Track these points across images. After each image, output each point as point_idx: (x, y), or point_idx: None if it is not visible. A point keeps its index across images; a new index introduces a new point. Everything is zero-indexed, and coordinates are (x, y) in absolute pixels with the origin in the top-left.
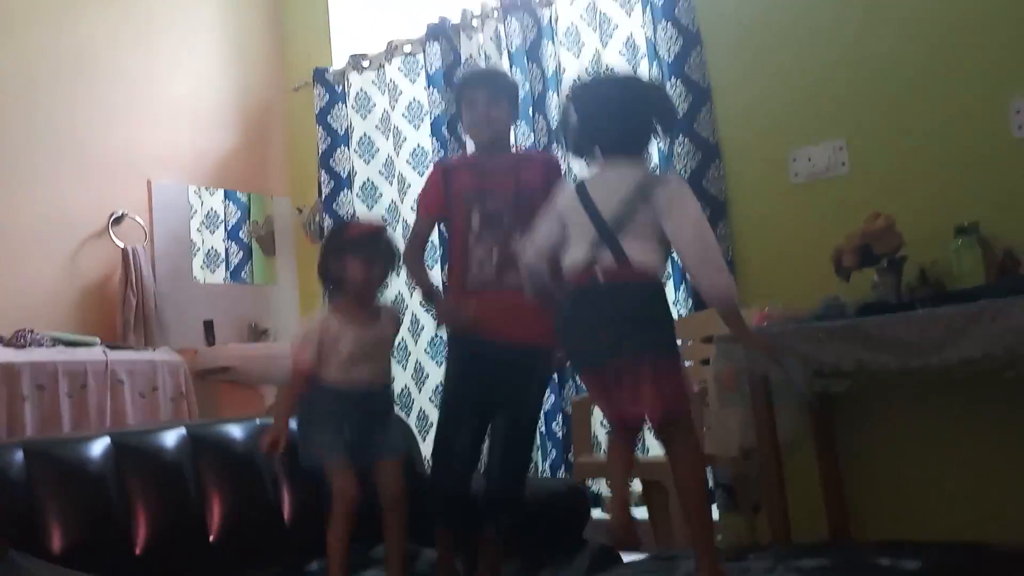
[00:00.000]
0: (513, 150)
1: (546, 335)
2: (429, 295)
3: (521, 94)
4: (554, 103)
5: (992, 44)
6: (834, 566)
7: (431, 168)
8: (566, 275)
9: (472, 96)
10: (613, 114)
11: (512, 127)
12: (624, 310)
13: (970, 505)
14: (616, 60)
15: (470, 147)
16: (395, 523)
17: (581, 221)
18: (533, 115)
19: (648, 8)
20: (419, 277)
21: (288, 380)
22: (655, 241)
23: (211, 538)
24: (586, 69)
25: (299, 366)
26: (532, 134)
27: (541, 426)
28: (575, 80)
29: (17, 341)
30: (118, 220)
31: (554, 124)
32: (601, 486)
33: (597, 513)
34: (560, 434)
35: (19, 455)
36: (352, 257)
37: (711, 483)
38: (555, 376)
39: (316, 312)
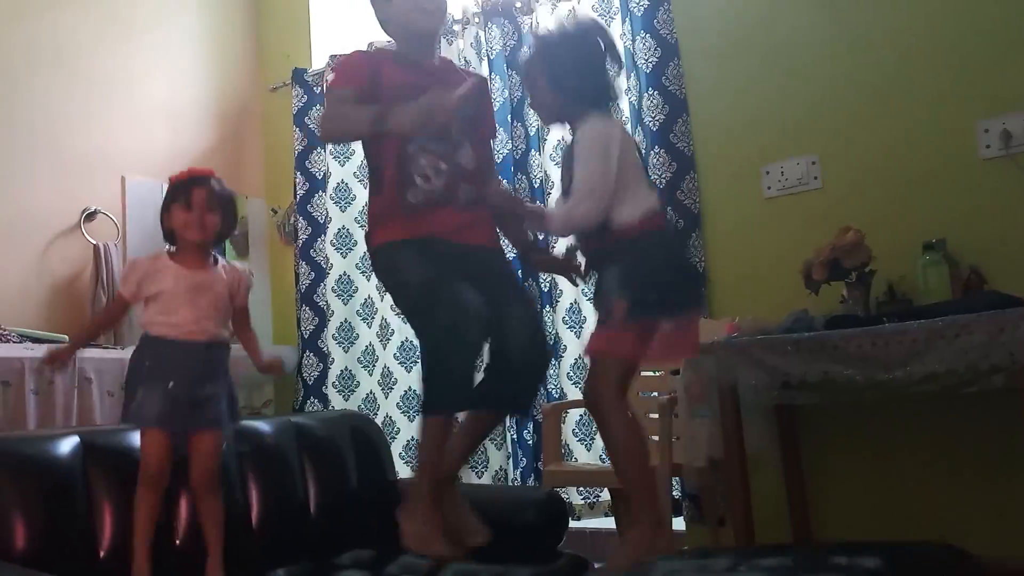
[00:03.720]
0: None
1: (497, 240)
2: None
3: (500, 101)
4: (532, 113)
5: (961, 66)
6: (795, 564)
7: (350, 54)
8: (640, 220)
9: None
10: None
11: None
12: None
13: (929, 516)
14: None
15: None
16: (206, 512)
17: (636, 164)
18: (511, 122)
19: (628, 19)
20: (355, 116)
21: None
22: None
23: (177, 541)
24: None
25: (118, 292)
26: (510, 141)
27: (512, 433)
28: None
29: None
30: (90, 216)
31: (531, 131)
32: (572, 495)
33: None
34: (531, 442)
35: None
36: (176, 204)
37: (679, 493)
38: None
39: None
